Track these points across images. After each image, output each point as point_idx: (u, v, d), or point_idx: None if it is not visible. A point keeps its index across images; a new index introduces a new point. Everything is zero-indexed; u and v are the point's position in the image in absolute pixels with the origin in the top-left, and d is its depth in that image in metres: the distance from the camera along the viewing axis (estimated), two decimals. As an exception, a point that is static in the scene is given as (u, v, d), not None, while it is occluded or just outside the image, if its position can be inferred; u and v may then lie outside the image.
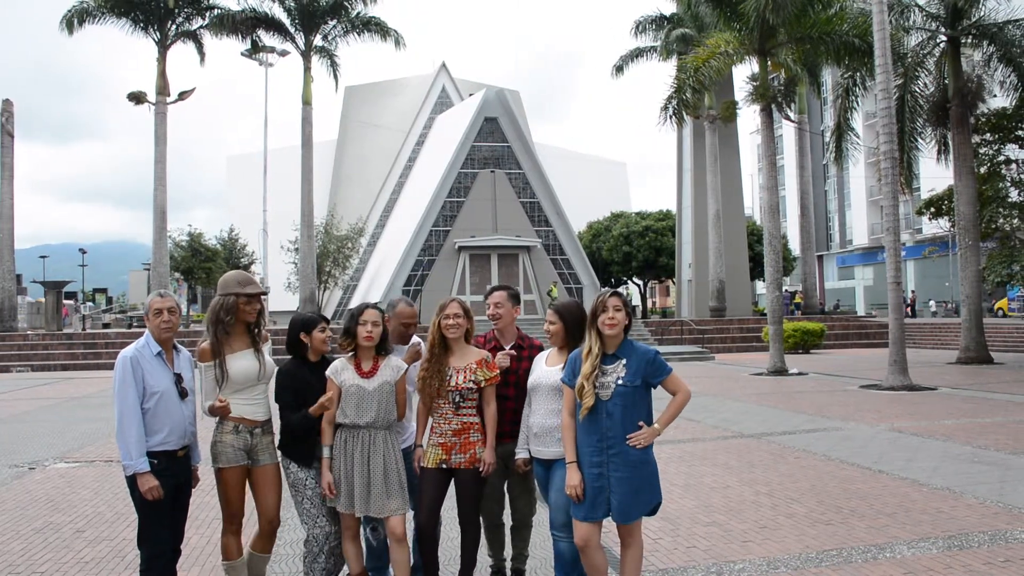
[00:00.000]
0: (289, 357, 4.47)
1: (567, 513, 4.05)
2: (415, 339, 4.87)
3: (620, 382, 3.83)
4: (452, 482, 4.41)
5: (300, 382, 4.31)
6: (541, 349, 4.66)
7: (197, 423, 4.30)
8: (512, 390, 4.47)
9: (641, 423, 3.86)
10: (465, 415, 4.34)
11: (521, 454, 4.38)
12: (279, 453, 4.42)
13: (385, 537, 4.50)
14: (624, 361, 3.88)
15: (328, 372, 4.31)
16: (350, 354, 4.38)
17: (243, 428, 4.28)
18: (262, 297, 4.42)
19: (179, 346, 4.25)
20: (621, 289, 52.82)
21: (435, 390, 4.31)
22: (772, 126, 22.16)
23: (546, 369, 4.29)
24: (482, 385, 4.35)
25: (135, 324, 37.20)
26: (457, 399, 4.31)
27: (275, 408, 4.43)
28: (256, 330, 4.41)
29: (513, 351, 4.55)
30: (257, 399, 4.35)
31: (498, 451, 4.50)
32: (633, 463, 3.81)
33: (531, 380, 4.33)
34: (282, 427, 4.35)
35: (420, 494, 4.35)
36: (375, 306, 4.41)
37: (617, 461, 3.82)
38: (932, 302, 46.37)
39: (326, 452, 4.30)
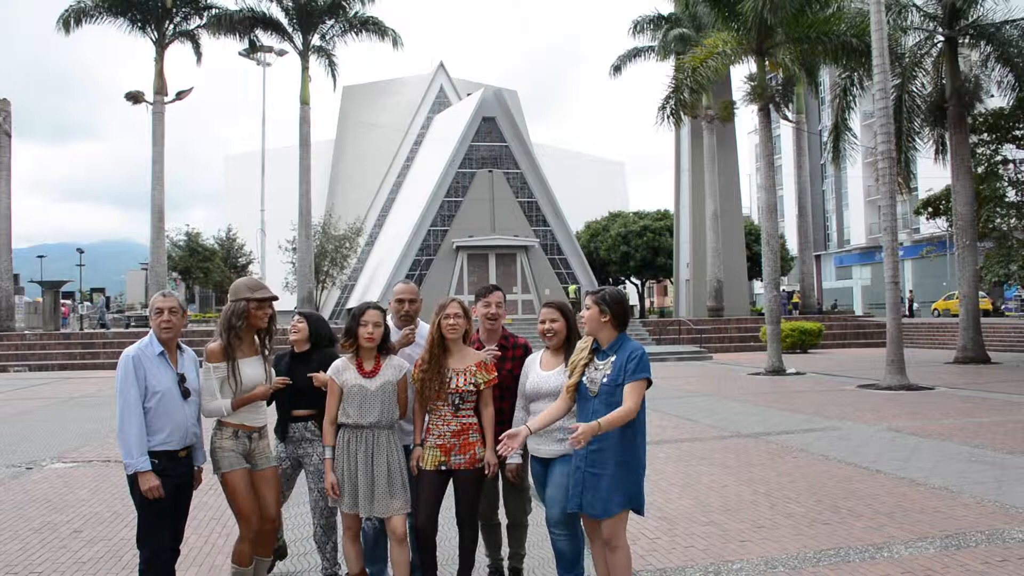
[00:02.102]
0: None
1: (564, 510, 4.04)
2: (421, 325, 4.86)
3: (605, 380, 3.82)
4: (450, 483, 4.40)
5: (280, 366, 4.66)
6: (527, 349, 4.63)
7: (201, 424, 4.30)
8: (496, 391, 4.44)
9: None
10: (464, 416, 4.33)
11: (514, 459, 4.36)
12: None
13: (382, 528, 4.50)
14: (613, 359, 3.85)
15: (329, 372, 4.33)
16: (350, 354, 4.38)
17: (242, 433, 4.31)
18: (273, 303, 4.45)
19: (183, 346, 4.24)
20: (618, 288, 52.77)
21: (435, 392, 4.29)
22: (770, 126, 22.16)
23: (543, 374, 4.26)
24: (481, 388, 4.34)
25: (133, 324, 37.14)
26: (456, 401, 4.30)
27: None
28: (267, 338, 4.46)
29: (498, 351, 4.51)
30: (257, 406, 4.39)
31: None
32: (616, 462, 3.78)
33: (529, 386, 4.28)
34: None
35: (418, 496, 4.34)
36: (376, 306, 4.42)
37: (597, 457, 3.79)
38: (915, 304, 46.34)
39: (328, 453, 4.31)
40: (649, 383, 3.82)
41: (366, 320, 4.29)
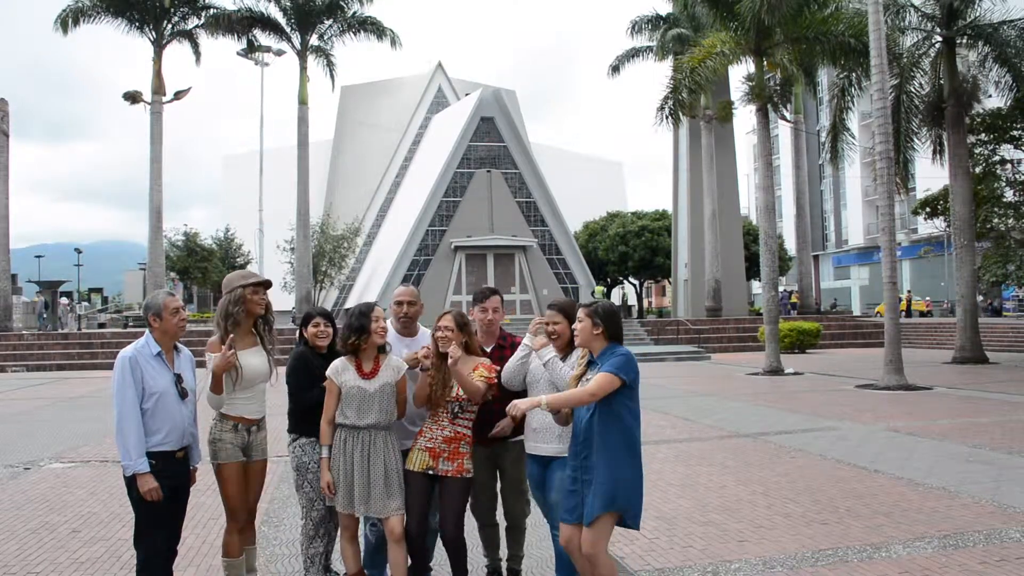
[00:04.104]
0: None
1: None
2: (422, 330, 4.86)
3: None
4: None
5: (313, 366, 4.45)
6: None
7: (198, 424, 4.31)
8: (497, 391, 4.44)
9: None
10: (460, 425, 4.33)
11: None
12: (288, 436, 4.52)
13: (383, 534, 4.50)
14: (599, 367, 3.83)
15: (328, 372, 4.31)
16: (349, 355, 4.35)
17: (241, 427, 4.36)
18: (267, 291, 4.47)
19: (179, 346, 4.25)
20: (616, 289, 52.97)
21: (438, 398, 4.29)
22: (768, 126, 22.19)
23: (541, 365, 4.28)
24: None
25: (131, 324, 37.11)
26: (456, 409, 4.31)
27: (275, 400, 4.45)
28: (266, 327, 4.48)
29: (494, 377, 4.41)
30: (257, 398, 4.42)
31: (489, 451, 4.51)
32: (608, 469, 3.75)
33: (528, 378, 4.31)
34: (292, 410, 4.48)
35: (408, 499, 4.32)
36: (376, 304, 4.48)
37: (589, 465, 3.79)
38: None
39: (325, 452, 4.31)
40: (624, 384, 3.75)
41: (377, 316, 4.33)
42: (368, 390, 4.26)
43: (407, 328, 4.77)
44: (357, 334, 4.30)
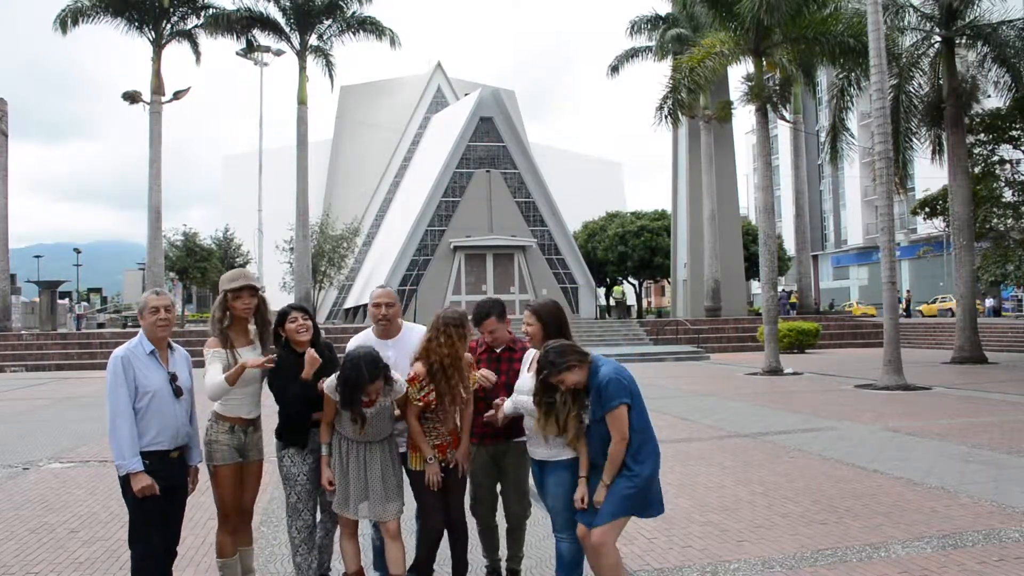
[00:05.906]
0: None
1: (567, 515, 4.05)
2: (406, 326, 4.80)
3: (588, 420, 3.94)
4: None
5: (287, 364, 4.29)
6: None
7: (195, 423, 4.29)
8: (503, 392, 4.44)
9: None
10: (458, 414, 4.39)
11: (505, 408, 4.28)
12: (276, 444, 4.48)
13: None
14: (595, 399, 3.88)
15: (325, 388, 4.15)
16: None
17: (238, 428, 4.34)
18: (261, 292, 4.43)
19: (174, 345, 4.23)
20: (616, 288, 53.04)
21: (450, 404, 4.27)
22: (767, 126, 22.18)
23: (526, 375, 4.26)
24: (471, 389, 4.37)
25: (130, 324, 37.10)
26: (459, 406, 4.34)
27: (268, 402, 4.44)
28: (264, 327, 4.44)
29: (493, 376, 4.46)
30: (252, 398, 4.40)
31: (490, 451, 4.51)
32: (617, 481, 3.87)
33: (517, 385, 4.29)
34: (279, 414, 4.42)
35: (426, 498, 4.31)
36: (384, 374, 4.11)
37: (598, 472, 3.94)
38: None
39: (325, 450, 4.29)
40: (628, 407, 3.82)
41: (371, 391, 4.06)
42: (364, 414, 4.18)
43: (387, 331, 4.65)
44: (342, 405, 4.09)
